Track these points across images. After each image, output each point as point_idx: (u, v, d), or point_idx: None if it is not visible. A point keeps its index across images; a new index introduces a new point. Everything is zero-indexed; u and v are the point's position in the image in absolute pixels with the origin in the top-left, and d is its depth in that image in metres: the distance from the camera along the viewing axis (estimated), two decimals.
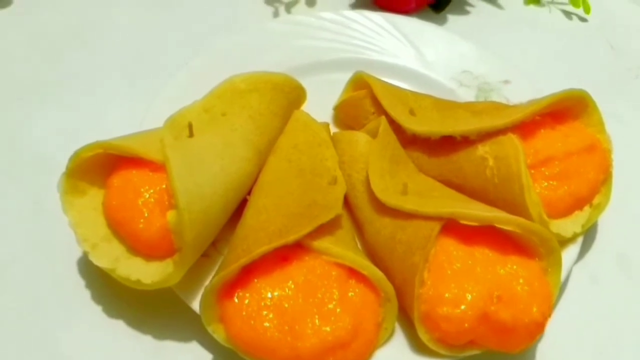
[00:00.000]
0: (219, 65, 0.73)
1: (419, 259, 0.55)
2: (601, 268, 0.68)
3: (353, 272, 0.56)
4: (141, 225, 0.56)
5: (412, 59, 0.80)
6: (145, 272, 0.57)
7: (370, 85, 0.71)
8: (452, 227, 0.57)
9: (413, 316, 0.55)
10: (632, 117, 0.81)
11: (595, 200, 0.65)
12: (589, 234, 0.69)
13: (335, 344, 0.53)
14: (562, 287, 0.65)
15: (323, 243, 0.56)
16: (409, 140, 0.68)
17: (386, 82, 0.73)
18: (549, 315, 0.55)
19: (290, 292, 0.54)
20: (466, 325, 0.53)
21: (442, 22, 0.90)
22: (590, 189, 0.64)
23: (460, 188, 0.64)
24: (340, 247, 0.57)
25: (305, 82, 0.74)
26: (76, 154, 0.58)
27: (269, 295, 0.54)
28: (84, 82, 0.81)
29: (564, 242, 0.62)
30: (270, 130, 0.67)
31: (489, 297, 0.54)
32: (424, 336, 0.56)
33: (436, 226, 0.56)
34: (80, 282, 0.64)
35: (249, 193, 0.63)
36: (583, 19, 0.93)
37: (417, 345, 0.57)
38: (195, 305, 0.57)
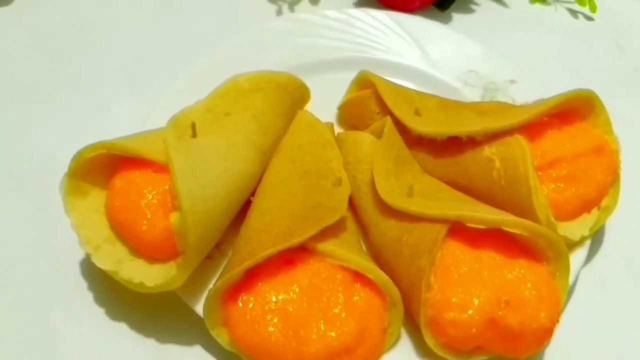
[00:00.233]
0: (222, 64, 0.72)
1: (426, 262, 0.54)
2: (609, 272, 0.67)
3: (358, 276, 0.56)
4: (144, 227, 0.56)
5: (417, 58, 0.79)
6: (148, 275, 0.56)
7: (375, 84, 0.70)
8: (458, 229, 0.56)
9: (419, 321, 0.55)
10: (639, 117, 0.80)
11: (603, 203, 0.64)
12: (596, 237, 0.68)
13: (341, 350, 0.52)
14: (570, 291, 0.65)
15: (328, 246, 0.56)
16: (415, 141, 0.68)
17: (391, 82, 0.72)
18: (557, 321, 0.54)
19: (294, 296, 0.54)
20: (473, 330, 0.53)
21: (447, 20, 0.89)
22: (598, 191, 0.63)
23: (466, 190, 0.64)
24: (345, 249, 0.56)
25: (309, 82, 0.73)
26: (78, 154, 0.58)
27: (274, 299, 0.54)
28: (85, 82, 0.80)
29: (572, 245, 0.62)
30: (274, 130, 0.66)
31: (497, 301, 0.53)
32: (430, 341, 0.55)
33: (443, 229, 0.55)
34: (83, 285, 0.64)
35: (253, 194, 0.62)
36: (589, 18, 0.92)
37: (423, 350, 0.57)
38: (199, 308, 0.57)
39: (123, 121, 0.74)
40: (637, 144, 0.74)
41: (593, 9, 0.91)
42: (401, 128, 0.67)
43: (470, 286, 0.54)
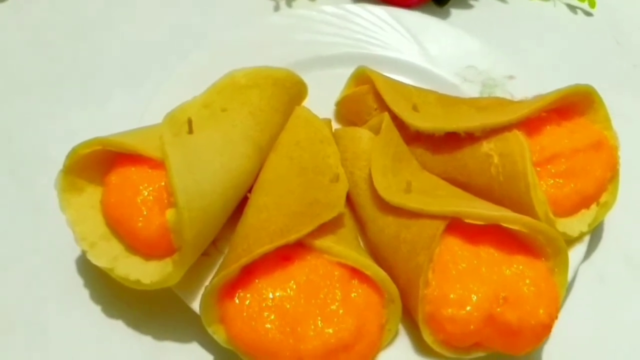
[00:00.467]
0: (219, 60, 0.72)
1: (424, 258, 0.54)
2: (608, 268, 0.67)
3: (356, 272, 0.55)
4: (140, 224, 0.55)
5: (415, 54, 0.79)
6: (144, 272, 0.56)
7: (373, 80, 0.70)
8: (456, 226, 0.56)
9: (417, 317, 0.54)
10: (639, 113, 0.80)
11: (602, 199, 0.64)
12: (595, 233, 0.68)
13: (338, 346, 0.52)
14: (569, 288, 0.64)
15: (325, 242, 0.55)
16: (413, 137, 0.67)
17: (389, 78, 0.72)
18: (556, 317, 0.54)
19: (292, 293, 0.53)
20: (471, 326, 0.53)
21: (445, 16, 0.89)
22: (597, 186, 0.63)
23: (464, 186, 0.64)
24: (343, 246, 0.56)
25: (306, 78, 0.73)
26: (73, 151, 0.57)
27: (271, 295, 0.53)
28: (82, 78, 0.80)
29: (571, 241, 0.62)
30: (271, 126, 0.66)
31: (495, 298, 0.53)
32: (428, 338, 0.55)
33: (441, 225, 0.55)
34: (79, 282, 0.63)
35: (250, 190, 0.62)
36: (588, 14, 0.92)
37: (421, 347, 0.56)
38: (196, 305, 0.57)
39: (119, 117, 0.73)
40: (636, 139, 0.74)
41: (592, 4, 0.91)
42: (399, 124, 0.67)
43: (468, 282, 0.53)
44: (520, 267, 0.55)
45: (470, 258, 0.55)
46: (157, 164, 0.56)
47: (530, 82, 0.75)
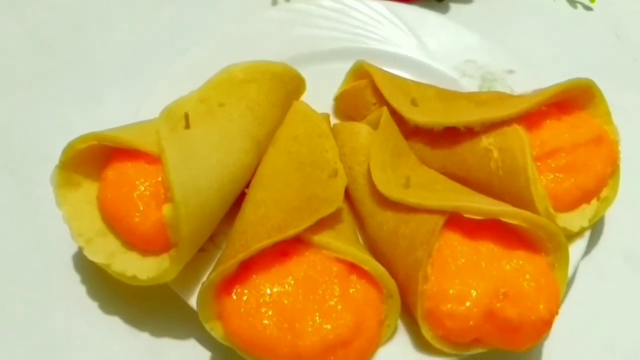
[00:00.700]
0: (216, 55, 0.71)
1: (423, 253, 0.54)
2: (609, 263, 0.67)
3: (354, 268, 0.55)
4: (136, 219, 0.55)
5: (414, 48, 0.79)
6: (141, 268, 0.55)
7: (371, 74, 0.69)
8: (456, 221, 0.55)
9: (416, 313, 0.54)
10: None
11: (603, 194, 0.63)
12: (596, 228, 0.67)
13: (337, 342, 0.51)
14: (569, 283, 0.64)
15: (323, 238, 0.55)
16: (411, 132, 0.67)
17: (388, 72, 0.72)
18: (557, 313, 0.53)
19: (290, 289, 0.53)
20: (471, 322, 0.52)
21: (444, 10, 0.88)
22: (598, 181, 0.63)
23: (464, 181, 0.63)
24: (341, 241, 0.55)
25: (305, 72, 0.72)
26: (69, 146, 0.57)
27: (268, 291, 0.53)
28: (78, 73, 0.79)
29: (571, 236, 0.61)
30: (269, 121, 0.66)
31: (495, 293, 0.52)
32: (427, 334, 0.54)
33: (440, 220, 0.55)
34: (75, 278, 0.63)
35: (248, 186, 0.61)
36: (588, 8, 0.91)
37: (420, 343, 0.56)
38: (193, 301, 0.56)
39: (116, 112, 0.73)
40: (637, 134, 0.73)
41: None
42: (398, 119, 0.66)
43: (467, 278, 0.53)
44: (520, 262, 0.54)
45: (469, 253, 0.54)
46: (154, 159, 0.56)
47: (530, 77, 0.74)
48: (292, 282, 0.53)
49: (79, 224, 0.57)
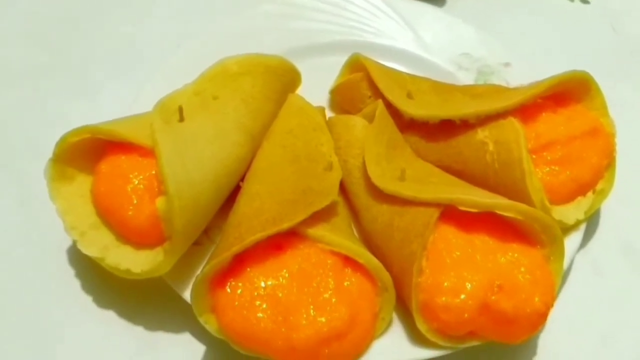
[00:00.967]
0: (211, 48, 0.71)
1: (417, 246, 0.53)
2: (604, 256, 0.67)
3: (349, 261, 0.55)
4: (130, 213, 0.55)
5: (410, 42, 0.79)
6: (135, 261, 0.55)
7: (367, 67, 0.69)
8: (451, 213, 0.55)
9: (411, 306, 0.54)
10: (637, 101, 0.80)
11: (599, 186, 0.63)
12: (591, 221, 0.67)
13: (331, 335, 0.51)
14: (565, 276, 0.64)
15: (318, 231, 0.55)
16: (407, 125, 0.67)
17: (383, 65, 0.71)
18: (552, 305, 0.53)
19: (284, 282, 0.53)
20: (466, 315, 0.52)
21: (440, 3, 0.88)
22: (593, 174, 0.62)
23: (459, 174, 0.63)
24: (336, 234, 0.55)
25: (300, 66, 0.72)
26: (63, 139, 0.57)
27: (263, 284, 0.53)
28: (73, 67, 0.79)
29: (567, 229, 0.61)
30: (264, 114, 0.65)
31: (490, 286, 0.52)
32: (422, 327, 0.54)
33: (435, 213, 0.54)
34: (70, 272, 0.63)
35: (243, 179, 0.61)
36: (585, 1, 0.91)
37: (415, 336, 0.56)
38: (187, 295, 0.56)
39: (111, 106, 0.73)
40: (633, 126, 0.73)
41: None
42: (393, 112, 0.66)
43: (462, 270, 0.53)
44: (516, 255, 0.54)
45: (464, 246, 0.54)
46: (148, 152, 0.56)
47: (526, 70, 0.74)
48: (287, 275, 0.53)
49: (72, 218, 0.57)
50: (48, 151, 0.57)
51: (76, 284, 0.62)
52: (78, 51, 0.81)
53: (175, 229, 0.53)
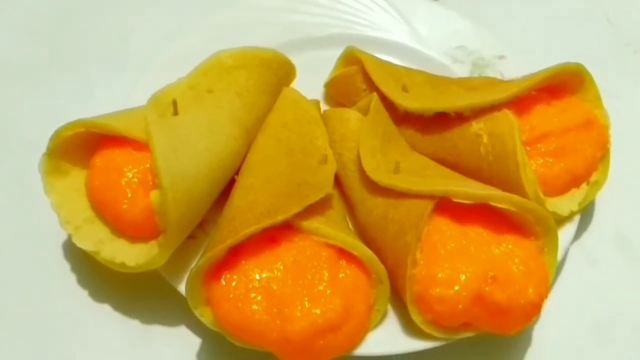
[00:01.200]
0: (205, 41, 0.71)
1: (411, 238, 0.54)
2: (599, 247, 0.67)
3: (344, 253, 0.55)
4: (125, 206, 0.55)
5: (405, 35, 0.79)
6: (130, 255, 0.55)
7: (362, 60, 0.69)
8: (445, 205, 0.55)
9: (405, 298, 0.54)
10: (632, 93, 0.80)
11: (593, 178, 0.63)
12: (586, 213, 0.67)
13: (326, 327, 0.51)
14: (559, 267, 0.64)
15: (313, 223, 0.55)
16: (402, 118, 0.67)
17: (378, 58, 0.71)
18: (546, 296, 0.54)
19: (279, 274, 0.53)
20: (460, 306, 0.52)
21: None
22: (588, 165, 0.63)
23: (454, 166, 0.63)
24: (331, 227, 0.55)
25: (295, 59, 0.72)
26: (57, 133, 0.57)
27: (257, 277, 0.53)
28: (68, 62, 0.79)
29: (561, 220, 0.61)
30: (259, 107, 0.65)
31: (484, 277, 0.52)
32: (417, 318, 0.54)
33: (429, 205, 0.54)
34: (65, 266, 0.63)
35: (238, 172, 0.61)
36: None
37: (410, 327, 0.56)
38: (182, 288, 0.56)
39: (106, 100, 0.72)
40: (628, 118, 0.73)
41: None
42: (388, 105, 0.66)
43: (456, 262, 0.53)
44: (510, 246, 0.54)
45: (458, 238, 0.54)
46: (142, 146, 0.56)
47: (521, 62, 0.74)
48: (281, 267, 0.53)
49: (67, 212, 0.57)
50: (42, 145, 0.57)
51: (71, 277, 0.62)
52: (72, 46, 0.81)
53: (170, 222, 0.53)
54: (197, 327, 0.58)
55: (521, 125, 0.60)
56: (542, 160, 0.61)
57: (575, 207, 0.62)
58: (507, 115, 0.61)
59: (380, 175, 0.59)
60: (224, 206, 0.59)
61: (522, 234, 0.55)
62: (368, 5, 0.80)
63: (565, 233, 0.61)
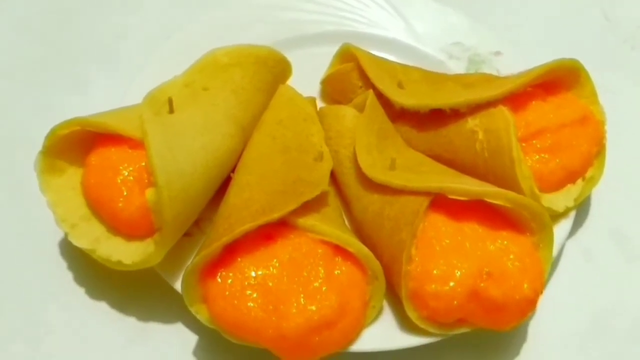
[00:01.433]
0: (201, 39, 0.71)
1: (407, 234, 0.54)
2: (594, 243, 0.67)
3: (339, 250, 0.55)
4: (120, 204, 0.55)
5: (401, 31, 0.78)
6: (126, 253, 0.56)
7: (358, 57, 0.69)
8: (441, 202, 0.55)
9: (401, 294, 0.54)
10: (629, 90, 0.79)
11: (588, 174, 0.63)
12: (581, 209, 0.68)
13: (321, 324, 0.51)
14: (554, 263, 0.64)
15: (309, 220, 0.55)
16: (398, 114, 0.67)
17: (374, 55, 0.71)
18: (541, 292, 0.54)
19: (274, 271, 0.53)
20: (455, 302, 0.52)
21: None
22: (583, 161, 0.63)
23: (450, 163, 0.63)
24: (327, 224, 0.55)
25: (290, 56, 0.72)
26: (52, 132, 0.57)
27: (253, 274, 0.53)
28: (65, 61, 0.79)
29: (556, 216, 0.61)
30: (254, 105, 0.65)
31: (479, 273, 0.52)
32: (412, 314, 0.54)
33: (424, 201, 0.54)
34: (61, 264, 0.63)
35: (233, 170, 0.61)
36: None
37: (405, 323, 0.56)
38: (178, 285, 0.56)
39: (102, 99, 0.73)
40: (623, 114, 0.73)
41: None
42: (384, 101, 0.66)
43: (452, 258, 0.53)
44: (505, 242, 0.54)
45: (454, 234, 0.54)
46: (137, 144, 0.56)
47: (517, 59, 0.74)
48: (277, 264, 0.53)
49: (63, 210, 0.57)
50: (38, 144, 0.57)
51: (68, 276, 0.62)
52: (68, 44, 0.81)
53: (165, 220, 0.53)
54: (193, 324, 0.58)
55: (517, 121, 0.61)
56: (537, 157, 0.61)
57: (570, 203, 0.62)
58: (503, 111, 0.61)
59: (376, 172, 0.59)
60: (220, 204, 0.59)
61: (517, 230, 0.55)
62: (364, 1, 0.80)
63: (561, 229, 0.61)
